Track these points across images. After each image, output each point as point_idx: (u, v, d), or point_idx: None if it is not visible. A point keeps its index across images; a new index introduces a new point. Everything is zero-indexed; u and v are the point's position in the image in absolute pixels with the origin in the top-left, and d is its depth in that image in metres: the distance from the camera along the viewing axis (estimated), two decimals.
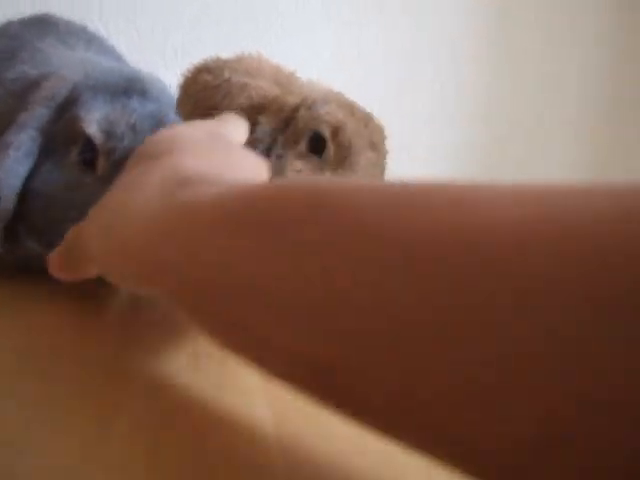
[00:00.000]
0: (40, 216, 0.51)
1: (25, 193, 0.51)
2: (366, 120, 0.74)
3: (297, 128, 0.72)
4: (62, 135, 0.51)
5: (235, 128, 0.55)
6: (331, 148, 0.69)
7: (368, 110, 0.77)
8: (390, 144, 0.79)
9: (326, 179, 0.26)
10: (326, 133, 0.69)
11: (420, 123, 1.49)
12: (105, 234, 0.38)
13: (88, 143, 0.50)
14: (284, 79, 0.81)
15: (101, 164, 0.50)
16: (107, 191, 0.45)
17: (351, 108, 0.74)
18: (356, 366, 0.21)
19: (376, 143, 0.73)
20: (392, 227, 0.21)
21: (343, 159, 0.70)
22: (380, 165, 0.75)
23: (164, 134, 0.45)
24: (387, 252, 0.21)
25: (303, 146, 0.71)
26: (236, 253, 0.26)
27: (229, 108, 0.69)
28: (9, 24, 0.65)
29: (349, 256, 0.22)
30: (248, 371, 0.39)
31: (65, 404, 0.32)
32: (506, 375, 0.17)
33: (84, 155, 0.50)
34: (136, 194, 0.37)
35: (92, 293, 0.55)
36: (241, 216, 0.27)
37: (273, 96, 0.76)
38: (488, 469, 0.19)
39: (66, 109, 0.51)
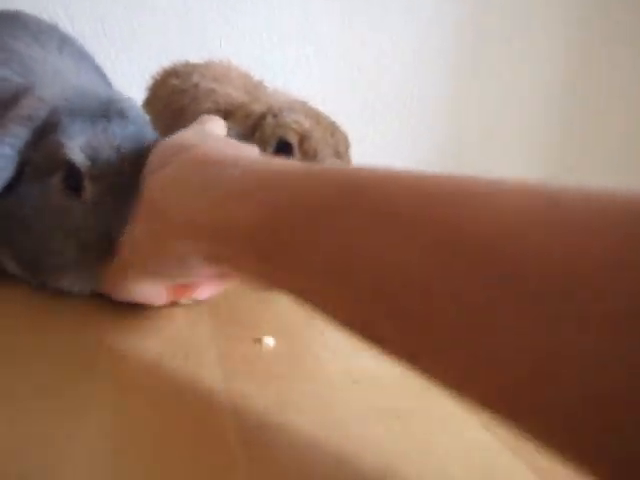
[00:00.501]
0: (21, 240, 0.51)
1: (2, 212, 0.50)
2: (332, 129, 0.76)
3: (264, 134, 0.73)
4: (42, 160, 0.50)
5: (217, 126, 0.58)
6: (297, 155, 0.70)
7: (332, 119, 0.79)
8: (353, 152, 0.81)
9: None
10: (293, 140, 0.70)
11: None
12: (153, 230, 0.42)
13: (71, 169, 0.49)
14: (251, 87, 0.83)
15: (89, 189, 0.50)
16: (96, 214, 0.48)
17: (317, 117, 0.76)
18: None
19: (341, 152, 0.75)
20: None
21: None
22: None
23: (175, 139, 0.48)
24: None
25: (270, 152, 0.72)
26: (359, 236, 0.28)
27: (195, 111, 0.70)
28: None
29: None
30: (210, 373, 0.41)
31: (32, 401, 0.32)
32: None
33: (68, 181, 0.50)
34: (183, 183, 0.41)
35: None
36: (352, 202, 0.29)
37: (239, 103, 0.77)
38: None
39: (45, 132, 0.50)
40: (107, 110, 0.53)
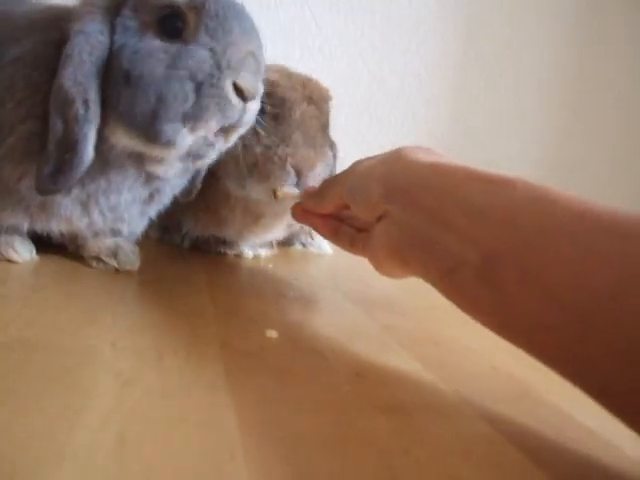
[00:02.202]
0: (133, 97, 0.51)
1: (108, 83, 0.52)
2: (304, 81, 0.76)
3: None
4: (138, 18, 0.52)
5: None
6: (267, 107, 0.69)
7: (310, 78, 0.79)
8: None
9: None
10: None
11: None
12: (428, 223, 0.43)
13: (169, 13, 0.52)
14: None
15: (192, 20, 0.52)
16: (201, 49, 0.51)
17: (289, 73, 0.76)
18: None
19: (315, 99, 0.75)
20: None
21: (277, 113, 0.71)
22: (320, 119, 0.75)
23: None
24: None
25: None
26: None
27: None
28: None
29: None
30: (212, 367, 0.41)
31: (37, 393, 0.32)
32: None
33: (167, 27, 0.52)
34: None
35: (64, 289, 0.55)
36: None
37: None
38: None
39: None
40: None
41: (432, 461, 0.33)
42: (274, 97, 0.71)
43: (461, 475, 0.32)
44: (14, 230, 0.60)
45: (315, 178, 0.71)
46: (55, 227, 0.61)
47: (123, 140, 0.55)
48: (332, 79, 1.41)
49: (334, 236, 0.61)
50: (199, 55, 0.52)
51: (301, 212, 0.63)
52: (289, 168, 0.69)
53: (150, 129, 0.52)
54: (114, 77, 0.52)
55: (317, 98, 0.76)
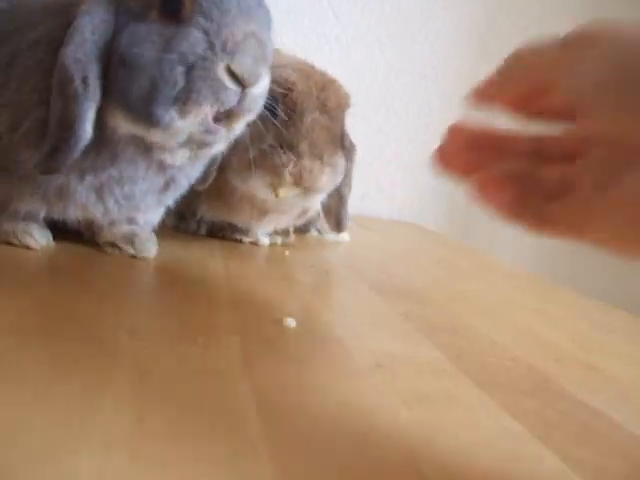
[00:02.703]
0: (128, 80, 0.51)
1: (109, 65, 0.52)
2: (324, 84, 0.74)
3: None
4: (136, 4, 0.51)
5: None
6: (281, 108, 0.68)
7: (332, 78, 0.78)
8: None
9: None
10: (276, 94, 0.68)
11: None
12: None
13: None
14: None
15: (187, 5, 0.50)
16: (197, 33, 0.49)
17: (309, 73, 0.75)
18: None
19: (329, 107, 0.73)
20: None
21: (289, 117, 0.70)
22: (331, 129, 0.74)
23: None
24: None
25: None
26: None
27: None
28: None
29: None
30: (230, 354, 0.41)
31: (51, 382, 0.32)
32: None
33: (166, 8, 0.51)
34: None
35: (80, 276, 0.55)
36: None
37: None
38: None
39: None
40: None
41: (455, 453, 0.32)
42: (288, 100, 0.70)
43: (485, 468, 0.31)
44: (31, 217, 0.60)
45: (321, 190, 0.71)
46: (72, 214, 0.61)
47: (121, 124, 0.54)
48: (349, 69, 1.42)
49: (513, 206, 0.33)
50: (192, 38, 0.50)
51: (457, 154, 0.38)
52: (287, 175, 0.69)
53: (143, 111, 0.52)
54: (113, 60, 0.52)
55: (332, 106, 0.74)
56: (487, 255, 1.24)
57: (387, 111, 1.48)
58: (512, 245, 1.62)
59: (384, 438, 0.32)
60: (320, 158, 0.71)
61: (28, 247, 0.60)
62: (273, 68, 0.65)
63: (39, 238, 0.61)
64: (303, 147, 0.70)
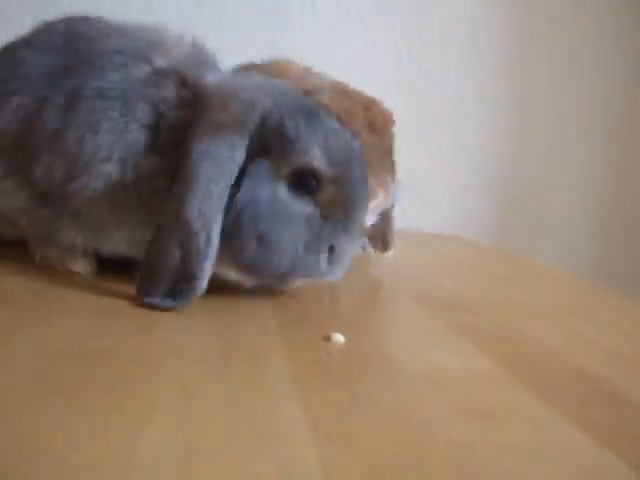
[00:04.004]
0: (263, 256, 0.52)
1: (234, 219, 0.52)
2: (366, 104, 0.74)
3: None
4: (273, 164, 0.52)
5: None
6: None
7: (373, 98, 0.77)
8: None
9: None
10: None
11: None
12: None
13: (307, 172, 0.53)
14: (301, 76, 0.81)
15: (328, 193, 0.54)
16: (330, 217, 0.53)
17: (350, 95, 0.74)
18: None
19: (377, 126, 0.72)
20: None
21: None
22: (382, 146, 0.73)
23: None
24: None
25: None
26: None
27: None
28: None
29: None
30: (279, 375, 0.39)
31: (103, 405, 0.31)
32: None
33: (299, 183, 0.53)
34: None
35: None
36: None
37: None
38: None
39: (265, 135, 0.52)
40: (309, 106, 0.55)
41: (520, 470, 0.30)
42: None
43: None
44: (74, 247, 0.61)
45: (375, 208, 0.70)
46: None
47: (231, 274, 0.56)
48: (379, 75, 1.40)
49: None
50: (338, 234, 0.54)
51: None
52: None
53: (272, 281, 0.56)
54: (243, 227, 0.52)
55: (379, 125, 0.74)
56: (531, 260, 1.21)
57: (419, 118, 1.46)
58: (553, 254, 1.58)
59: (444, 455, 0.31)
60: (374, 176, 0.70)
61: (72, 271, 0.61)
62: (315, 91, 0.66)
63: (84, 262, 0.61)
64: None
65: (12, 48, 0.63)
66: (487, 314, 0.64)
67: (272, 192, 0.52)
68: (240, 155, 0.51)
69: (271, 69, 0.80)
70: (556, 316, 0.66)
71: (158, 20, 1.14)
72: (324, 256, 0.55)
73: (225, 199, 0.51)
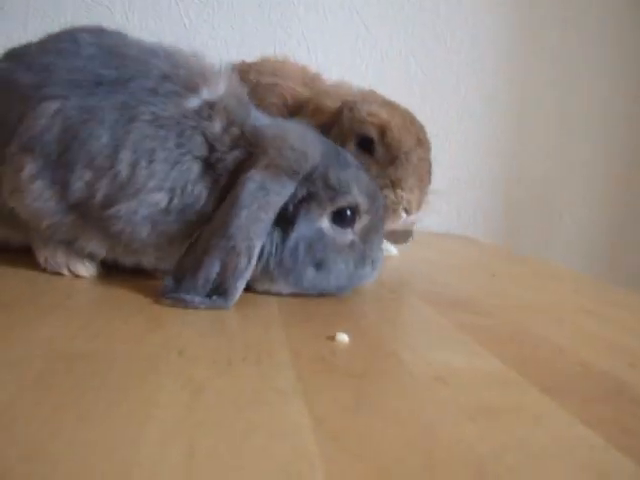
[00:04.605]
0: (320, 279, 0.61)
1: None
2: (410, 117, 0.74)
3: (343, 130, 0.71)
4: (317, 203, 0.60)
5: None
6: (380, 149, 0.69)
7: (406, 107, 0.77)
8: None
9: None
10: (373, 134, 0.69)
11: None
12: None
13: (347, 208, 0.61)
14: (309, 79, 0.81)
15: (364, 220, 0.63)
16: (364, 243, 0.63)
17: (392, 106, 0.74)
18: None
19: (422, 139, 0.73)
20: None
21: (394, 158, 0.70)
22: (428, 159, 0.74)
23: None
24: None
25: (352, 147, 0.71)
26: None
27: (260, 107, 0.69)
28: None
29: None
30: (283, 373, 0.39)
31: (102, 404, 0.31)
32: None
33: (341, 217, 0.61)
34: None
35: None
36: None
37: (305, 97, 0.76)
38: None
39: (309, 182, 0.59)
40: (339, 151, 0.64)
41: (526, 467, 0.30)
42: (390, 141, 0.71)
43: None
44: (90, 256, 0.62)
45: (418, 217, 0.74)
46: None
47: (285, 290, 0.62)
48: (385, 82, 1.41)
49: None
50: (375, 249, 0.65)
51: None
52: (401, 212, 0.71)
53: (331, 293, 0.64)
54: (300, 257, 0.59)
55: (423, 138, 0.76)
56: (535, 259, 1.20)
57: (427, 122, 1.46)
58: (557, 253, 1.57)
59: (449, 453, 0.30)
60: (423, 189, 0.73)
61: (77, 275, 0.61)
62: (357, 105, 0.67)
63: (89, 265, 0.62)
64: (412, 182, 0.71)
65: (29, 53, 0.63)
66: (492, 313, 0.63)
67: (320, 228, 0.60)
68: (287, 194, 0.58)
69: (267, 68, 0.80)
70: (569, 316, 0.65)
71: (161, 22, 1.15)
72: (369, 268, 0.64)
73: (269, 228, 0.57)
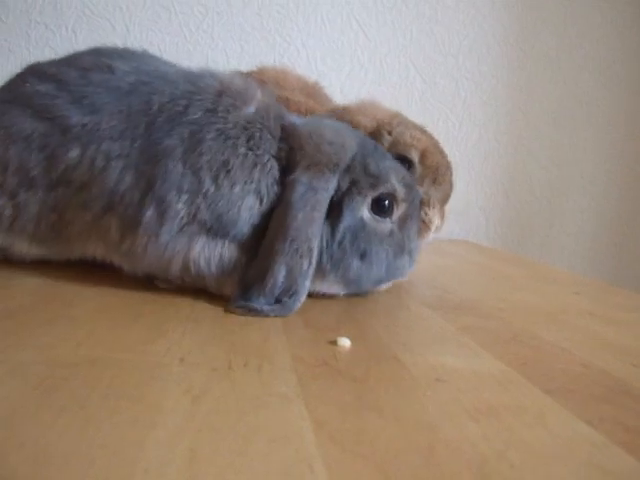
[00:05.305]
0: (364, 270, 0.62)
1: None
2: (437, 141, 0.78)
3: None
4: (358, 194, 0.61)
5: None
6: (418, 170, 0.73)
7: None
8: None
9: None
10: (414, 157, 0.73)
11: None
12: None
13: (385, 197, 0.62)
14: (310, 89, 0.82)
15: (401, 209, 0.64)
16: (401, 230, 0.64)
17: (423, 130, 0.78)
18: None
19: (449, 163, 0.76)
20: None
21: (433, 179, 0.75)
22: (450, 182, 0.78)
23: None
24: None
25: None
26: None
27: None
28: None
29: None
30: (285, 378, 0.39)
31: (106, 409, 0.32)
32: None
33: (380, 204, 0.62)
34: None
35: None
36: None
37: (309, 107, 0.77)
38: None
39: (350, 172, 0.61)
40: (374, 143, 0.66)
41: (529, 466, 0.30)
42: (430, 164, 0.75)
43: None
44: None
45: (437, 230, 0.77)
46: None
47: (333, 289, 0.64)
48: (385, 89, 1.42)
49: None
50: (412, 238, 0.66)
51: None
52: (433, 230, 0.74)
53: (369, 289, 0.66)
54: (347, 249, 0.61)
55: (449, 161, 0.80)
56: (539, 264, 1.20)
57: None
58: (561, 258, 1.57)
59: (452, 453, 0.30)
60: (441, 208, 0.77)
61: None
62: (395, 127, 0.69)
63: None
64: (441, 202, 0.76)
65: (69, 81, 0.64)
66: (494, 315, 0.63)
67: (362, 217, 0.62)
68: (332, 188, 0.60)
69: (268, 78, 0.81)
70: (571, 317, 0.65)
71: (162, 34, 1.16)
72: (407, 257, 0.66)
73: (321, 225, 0.59)
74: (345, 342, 0.48)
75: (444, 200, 0.76)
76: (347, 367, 0.43)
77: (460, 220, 1.49)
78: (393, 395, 0.38)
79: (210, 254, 0.58)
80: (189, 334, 0.48)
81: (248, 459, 0.28)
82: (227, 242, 0.59)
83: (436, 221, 0.74)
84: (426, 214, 0.73)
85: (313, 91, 0.82)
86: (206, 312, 0.56)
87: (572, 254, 1.59)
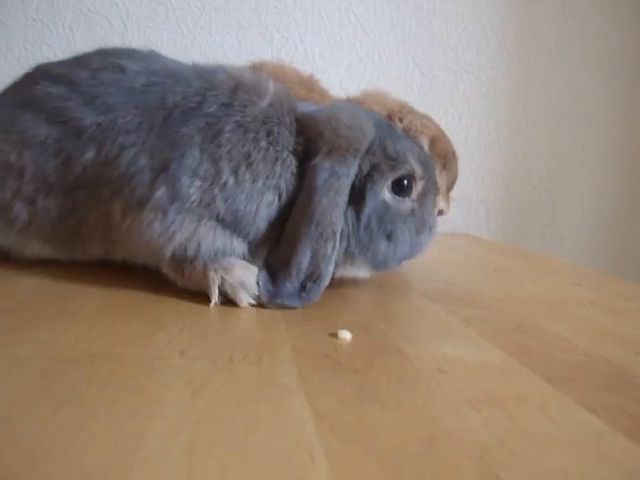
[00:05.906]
0: (389, 250, 0.63)
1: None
2: (444, 132, 0.78)
3: None
4: (379, 177, 0.62)
5: None
6: (435, 157, 0.75)
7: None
8: None
9: None
10: (424, 142, 0.72)
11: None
12: None
13: (405, 177, 0.63)
14: (306, 81, 0.82)
15: (419, 187, 0.65)
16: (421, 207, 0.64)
17: (430, 119, 0.78)
18: None
19: (455, 150, 0.77)
20: None
21: (443, 165, 0.76)
22: (456, 169, 0.78)
23: None
24: None
25: None
26: None
27: None
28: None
29: None
30: (285, 370, 0.39)
31: (105, 401, 0.32)
32: None
33: (400, 184, 0.63)
34: None
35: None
36: None
37: (302, 97, 0.77)
38: None
39: (370, 155, 0.62)
40: (390, 124, 0.66)
41: (531, 454, 0.30)
42: (440, 150, 0.76)
43: (566, 469, 0.29)
44: None
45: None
46: None
47: (360, 273, 0.66)
48: (384, 82, 1.41)
49: None
50: (431, 212, 0.67)
51: None
52: (436, 212, 0.75)
53: (392, 268, 0.67)
54: (374, 232, 0.62)
55: (452, 147, 0.80)
56: (540, 255, 1.20)
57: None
58: (563, 248, 1.57)
59: (454, 442, 0.30)
60: (448, 197, 0.78)
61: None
62: (406, 115, 0.70)
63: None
64: (448, 187, 0.77)
65: (80, 82, 0.64)
66: (495, 307, 0.63)
67: (384, 199, 0.62)
68: (353, 172, 0.61)
69: (266, 73, 0.80)
70: (573, 308, 0.65)
71: (159, 30, 1.16)
72: (428, 233, 0.67)
73: (344, 210, 0.60)
74: (346, 335, 0.48)
75: (450, 186, 0.76)
76: (348, 359, 0.43)
77: (461, 212, 1.49)
78: (395, 386, 0.38)
79: (214, 240, 0.58)
80: (189, 327, 0.48)
81: (248, 450, 0.28)
82: (235, 235, 0.58)
83: (443, 206, 0.75)
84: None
85: (310, 84, 0.82)
86: (206, 306, 0.55)
87: (573, 245, 1.58)
